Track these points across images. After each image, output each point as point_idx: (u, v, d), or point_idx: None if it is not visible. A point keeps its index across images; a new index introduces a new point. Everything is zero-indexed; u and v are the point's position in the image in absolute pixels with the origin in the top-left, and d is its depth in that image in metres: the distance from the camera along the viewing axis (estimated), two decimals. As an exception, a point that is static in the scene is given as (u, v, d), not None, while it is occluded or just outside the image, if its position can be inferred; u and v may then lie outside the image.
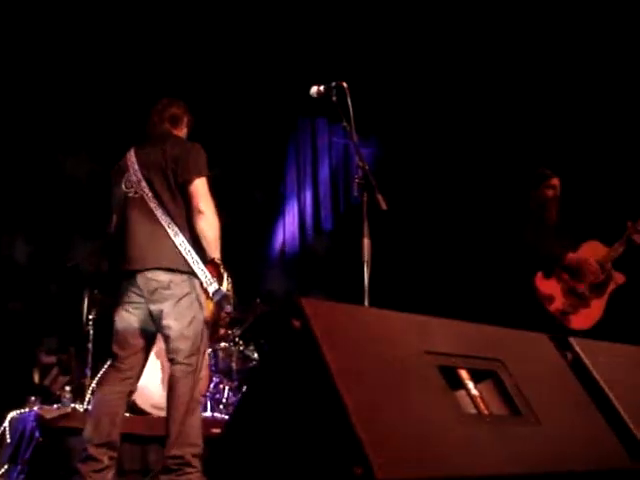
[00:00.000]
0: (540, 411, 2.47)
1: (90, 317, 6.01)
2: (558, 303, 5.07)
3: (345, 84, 3.80)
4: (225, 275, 3.70)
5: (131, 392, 3.88)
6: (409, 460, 1.95)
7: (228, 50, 7.86)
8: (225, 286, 3.67)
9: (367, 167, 3.67)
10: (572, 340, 2.87)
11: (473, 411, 2.34)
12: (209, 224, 3.73)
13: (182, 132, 4.16)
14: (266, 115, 8.52)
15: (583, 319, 5.10)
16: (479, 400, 2.37)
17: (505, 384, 2.47)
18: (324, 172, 9.49)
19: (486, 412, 2.37)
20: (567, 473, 2.38)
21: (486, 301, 6.84)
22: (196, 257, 3.70)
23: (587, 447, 2.53)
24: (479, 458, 2.15)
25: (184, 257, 3.70)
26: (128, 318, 3.82)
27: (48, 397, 5.95)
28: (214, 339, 3.77)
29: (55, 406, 5.50)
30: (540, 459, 2.32)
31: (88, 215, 6.57)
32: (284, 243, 9.34)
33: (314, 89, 3.92)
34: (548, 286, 5.12)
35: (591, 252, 5.23)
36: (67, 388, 5.80)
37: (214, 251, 3.73)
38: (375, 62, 7.99)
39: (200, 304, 3.73)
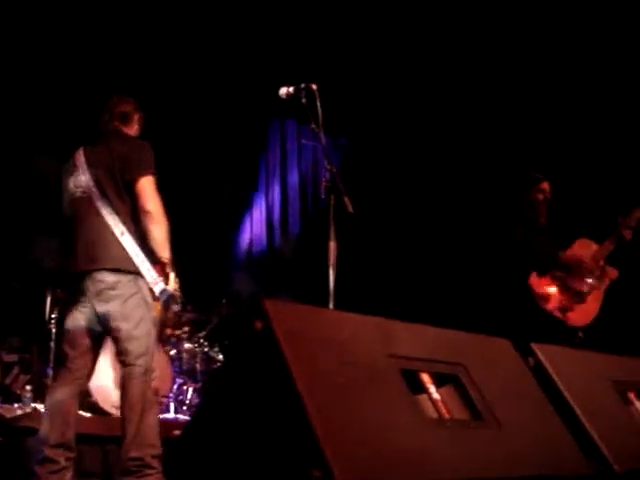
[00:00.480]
0: (501, 416, 2.47)
1: (52, 316, 5.97)
2: (555, 301, 5.09)
3: (314, 86, 3.79)
4: (172, 275, 3.68)
5: (82, 392, 3.85)
6: (369, 464, 1.94)
7: (198, 51, 7.82)
8: (172, 286, 3.65)
9: (335, 170, 3.66)
10: (534, 346, 2.89)
11: (434, 415, 2.34)
12: (156, 224, 3.68)
13: (132, 130, 4.10)
14: (236, 115, 8.49)
15: (581, 316, 5.13)
16: (440, 404, 2.37)
17: (467, 388, 2.48)
18: (293, 174, 9.49)
19: (447, 416, 2.37)
20: (527, 477, 2.39)
21: (467, 304, 6.90)
22: (143, 257, 3.66)
23: (547, 451, 2.55)
24: (440, 463, 2.15)
25: (131, 257, 3.66)
26: (77, 318, 3.78)
27: (9, 396, 5.88)
28: (161, 339, 3.73)
29: (16, 405, 5.44)
30: (501, 464, 2.33)
31: (51, 212, 6.50)
32: (251, 244, 9.31)
33: (283, 90, 3.91)
34: (542, 285, 5.14)
35: (583, 249, 5.28)
36: (28, 387, 5.74)
37: (162, 251, 3.69)
38: (345, 64, 7.99)
39: (147, 304, 3.69)
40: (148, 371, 3.66)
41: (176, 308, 3.64)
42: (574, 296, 5.14)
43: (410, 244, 8.20)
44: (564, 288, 5.15)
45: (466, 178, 8.00)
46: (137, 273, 3.67)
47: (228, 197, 9.20)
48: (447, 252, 7.94)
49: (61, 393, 3.73)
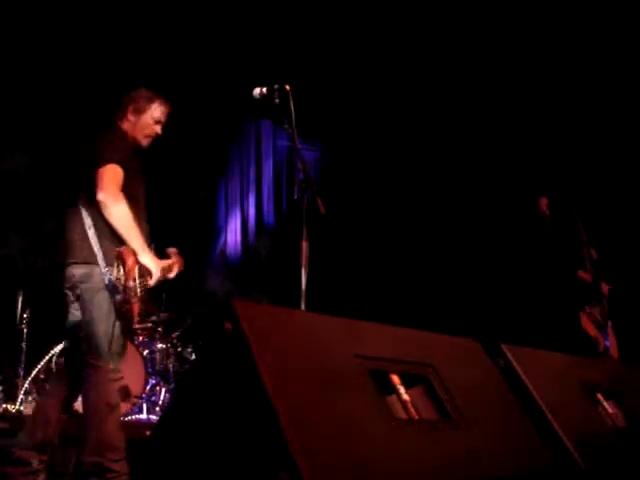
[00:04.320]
0: (470, 416, 2.48)
1: (24, 316, 5.92)
2: (601, 342, 5.25)
3: (288, 87, 3.79)
4: (117, 263, 3.52)
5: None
6: (337, 466, 1.94)
7: (174, 51, 7.79)
8: (114, 275, 3.51)
9: (308, 170, 3.67)
10: (504, 346, 2.91)
11: (404, 416, 2.35)
12: (110, 214, 3.58)
13: (129, 122, 3.98)
14: (211, 115, 8.48)
15: (614, 351, 5.29)
16: (410, 405, 2.38)
17: (436, 389, 2.48)
18: (268, 174, 9.47)
19: (416, 417, 2.37)
20: (495, 478, 2.40)
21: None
22: (98, 247, 3.57)
23: (516, 452, 2.57)
24: (409, 464, 2.16)
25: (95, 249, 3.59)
26: (74, 314, 3.73)
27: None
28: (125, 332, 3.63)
29: (-15, 406, 5.39)
30: (469, 464, 2.34)
31: (24, 211, 6.46)
32: (226, 244, 9.29)
33: (257, 91, 3.90)
34: (591, 328, 5.28)
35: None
36: (-1, 388, 5.70)
37: (127, 240, 3.60)
38: (321, 66, 8.00)
39: (109, 302, 3.56)
40: (110, 372, 3.57)
41: (118, 298, 3.46)
42: (604, 331, 5.28)
43: (381, 245, 8.23)
44: (600, 329, 5.28)
45: (438, 178, 8.05)
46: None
47: (204, 196, 9.18)
48: (419, 252, 7.99)
49: (52, 394, 3.70)
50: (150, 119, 3.98)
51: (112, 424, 3.54)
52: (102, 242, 3.59)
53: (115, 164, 3.64)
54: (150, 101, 4.00)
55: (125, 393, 5.30)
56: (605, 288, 5.50)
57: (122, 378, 3.63)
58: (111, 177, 3.62)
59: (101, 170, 3.62)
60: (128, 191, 3.68)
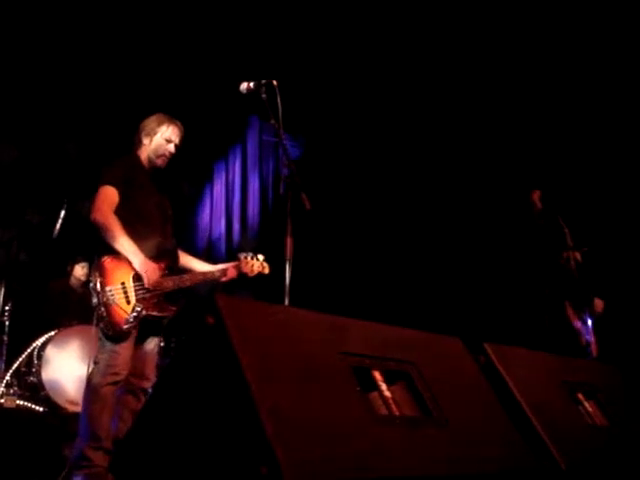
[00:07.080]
0: (451, 413, 2.49)
1: (6, 309, 5.89)
2: (583, 335, 5.27)
3: (275, 82, 3.81)
4: (94, 272, 3.84)
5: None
6: (318, 461, 1.94)
7: (158, 48, 7.77)
8: (91, 279, 3.86)
9: (294, 166, 3.68)
10: (485, 345, 2.92)
11: (385, 412, 2.35)
12: (101, 231, 3.86)
13: (138, 148, 4.27)
14: (198, 109, 8.45)
15: (594, 348, 5.32)
16: (391, 401, 2.38)
17: (417, 386, 2.49)
18: (253, 169, 9.45)
19: (397, 414, 2.38)
20: (476, 475, 2.41)
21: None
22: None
23: (495, 449, 2.57)
24: (390, 460, 2.16)
25: None
26: None
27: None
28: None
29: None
30: (449, 460, 2.35)
31: (6, 203, 6.43)
32: (210, 238, 9.26)
33: (244, 85, 3.94)
34: (575, 320, 5.32)
35: None
36: (-19, 380, 5.66)
37: (119, 251, 3.86)
38: (306, 63, 7.99)
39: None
40: (105, 367, 3.72)
41: (94, 301, 3.76)
42: (587, 329, 5.31)
43: (366, 241, 8.24)
44: (583, 323, 5.31)
45: (423, 175, 8.08)
46: None
47: (188, 191, 9.17)
48: (403, 249, 8.01)
49: None
50: (161, 139, 4.22)
51: (96, 411, 3.68)
52: (102, 252, 3.87)
53: (107, 185, 3.95)
54: (160, 123, 4.26)
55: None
56: (599, 305, 5.51)
57: (117, 375, 3.72)
58: (101, 198, 3.93)
59: (97, 192, 3.95)
60: (130, 206, 3.99)
